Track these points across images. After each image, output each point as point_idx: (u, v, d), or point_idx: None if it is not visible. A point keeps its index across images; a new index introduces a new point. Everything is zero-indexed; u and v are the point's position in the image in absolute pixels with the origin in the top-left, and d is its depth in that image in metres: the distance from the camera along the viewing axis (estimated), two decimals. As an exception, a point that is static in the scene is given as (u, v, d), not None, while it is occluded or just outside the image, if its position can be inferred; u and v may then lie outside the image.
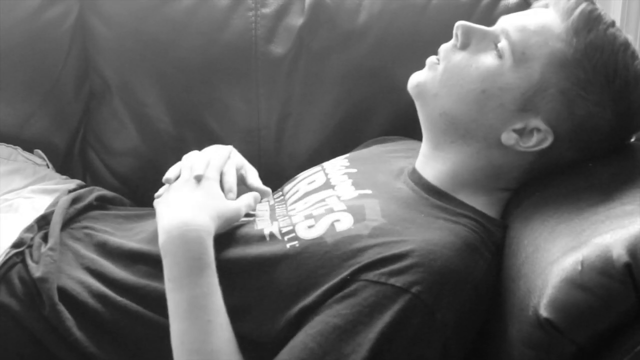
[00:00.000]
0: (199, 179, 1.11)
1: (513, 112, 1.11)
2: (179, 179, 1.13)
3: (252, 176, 1.23)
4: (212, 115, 1.54)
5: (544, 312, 0.88)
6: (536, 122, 1.10)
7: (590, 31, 1.08)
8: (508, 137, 1.12)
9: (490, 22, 1.17)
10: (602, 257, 0.87)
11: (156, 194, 1.16)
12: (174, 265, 1.03)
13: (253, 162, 1.53)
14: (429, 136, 1.19)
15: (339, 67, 1.50)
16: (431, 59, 1.17)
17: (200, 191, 1.10)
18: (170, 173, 1.14)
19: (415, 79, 1.18)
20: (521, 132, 1.11)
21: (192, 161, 1.15)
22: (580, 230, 0.95)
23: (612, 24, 1.10)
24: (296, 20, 1.53)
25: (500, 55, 1.11)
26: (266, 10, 1.53)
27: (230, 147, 1.24)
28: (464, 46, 1.14)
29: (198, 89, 1.54)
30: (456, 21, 1.16)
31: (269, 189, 1.21)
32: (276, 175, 1.51)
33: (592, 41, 1.08)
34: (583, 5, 1.10)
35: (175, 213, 1.05)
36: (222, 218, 1.08)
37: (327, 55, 1.51)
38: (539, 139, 1.11)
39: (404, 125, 1.45)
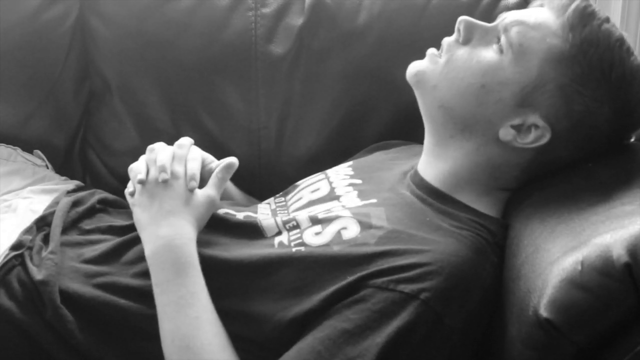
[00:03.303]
0: (165, 181, 1.11)
1: (511, 107, 1.11)
2: (149, 178, 1.13)
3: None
4: (212, 115, 1.54)
5: (544, 312, 0.88)
6: (534, 118, 1.10)
7: (585, 27, 1.09)
8: (506, 133, 1.12)
9: (491, 21, 1.17)
10: (602, 257, 0.87)
11: (127, 191, 1.16)
12: (159, 271, 1.07)
13: (253, 162, 1.54)
14: (429, 129, 1.19)
15: (339, 67, 1.50)
16: (432, 51, 1.18)
17: (171, 200, 1.11)
18: (142, 174, 1.13)
19: (415, 68, 1.18)
20: (519, 129, 1.11)
21: (157, 157, 1.15)
22: (580, 230, 0.95)
23: (607, 19, 1.11)
24: (296, 20, 1.53)
25: (501, 50, 1.12)
26: (266, 10, 1.53)
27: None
28: (467, 41, 1.15)
29: (198, 89, 1.53)
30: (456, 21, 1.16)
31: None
32: (276, 176, 1.52)
33: (587, 36, 1.09)
34: (577, 2, 1.10)
35: (157, 228, 1.09)
36: (200, 218, 1.12)
37: (327, 55, 1.51)
38: (537, 136, 1.11)
39: (404, 126, 1.45)
